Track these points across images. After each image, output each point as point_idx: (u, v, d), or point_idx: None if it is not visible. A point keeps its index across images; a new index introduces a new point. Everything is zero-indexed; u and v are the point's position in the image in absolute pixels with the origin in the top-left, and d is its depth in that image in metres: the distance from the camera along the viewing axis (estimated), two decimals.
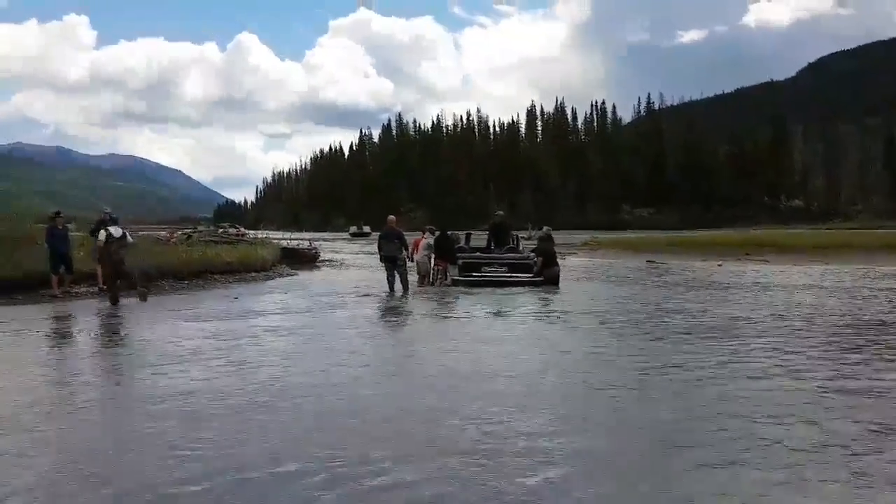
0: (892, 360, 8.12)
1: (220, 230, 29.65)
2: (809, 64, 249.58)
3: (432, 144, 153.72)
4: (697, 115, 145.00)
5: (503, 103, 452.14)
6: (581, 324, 11.55)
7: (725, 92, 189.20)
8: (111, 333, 11.18)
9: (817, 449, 4.94)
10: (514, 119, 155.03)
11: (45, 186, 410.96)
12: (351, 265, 29.27)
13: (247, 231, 33.36)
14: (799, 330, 10.48)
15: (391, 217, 18.02)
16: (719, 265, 27.36)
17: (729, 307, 13.48)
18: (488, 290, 16.74)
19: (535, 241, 20.83)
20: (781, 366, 7.75)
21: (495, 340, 9.83)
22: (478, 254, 19.56)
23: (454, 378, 7.35)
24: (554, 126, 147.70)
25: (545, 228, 20.25)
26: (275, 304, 14.66)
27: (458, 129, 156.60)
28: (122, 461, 4.82)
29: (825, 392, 6.55)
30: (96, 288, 15.96)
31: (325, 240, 50.38)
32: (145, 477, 4.43)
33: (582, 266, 27.65)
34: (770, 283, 18.88)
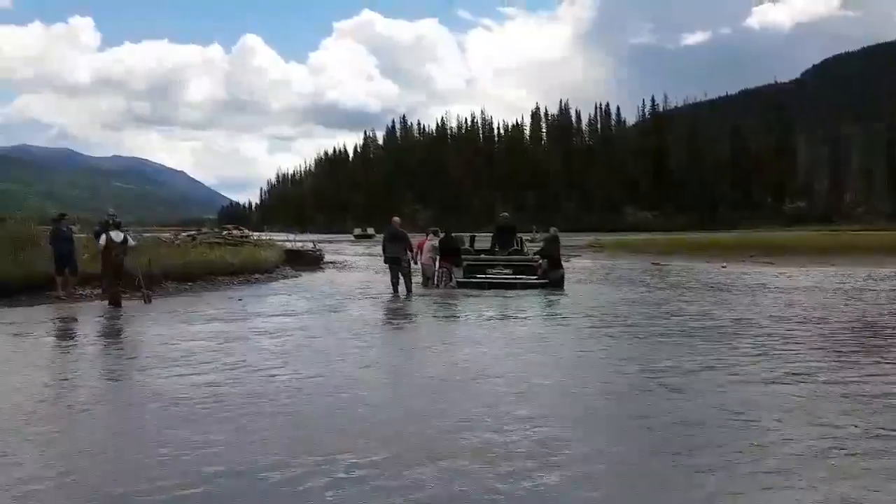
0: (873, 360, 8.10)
1: (225, 232, 29.56)
2: (814, 66, 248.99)
3: (437, 146, 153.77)
4: (702, 116, 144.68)
5: (508, 105, 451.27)
6: (583, 326, 11.52)
7: (729, 94, 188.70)
8: (111, 335, 11.20)
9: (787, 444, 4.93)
10: (519, 121, 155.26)
11: (49, 188, 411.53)
12: (355, 267, 29.27)
13: (251, 233, 33.26)
14: (793, 331, 10.47)
15: (395, 218, 18.00)
16: (723, 267, 27.31)
17: (729, 309, 13.45)
18: (493, 292, 16.72)
19: (542, 243, 20.76)
20: (772, 369, 7.74)
21: (499, 342, 9.82)
22: (482, 256, 19.54)
23: (456, 382, 7.33)
24: (558, 128, 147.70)
25: (552, 230, 20.18)
26: (278, 305, 14.66)
27: (463, 131, 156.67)
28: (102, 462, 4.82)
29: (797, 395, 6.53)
30: (100, 290, 15.97)
31: (329, 241, 50.31)
32: (119, 478, 4.42)
33: (586, 268, 27.61)
34: (772, 286, 18.83)
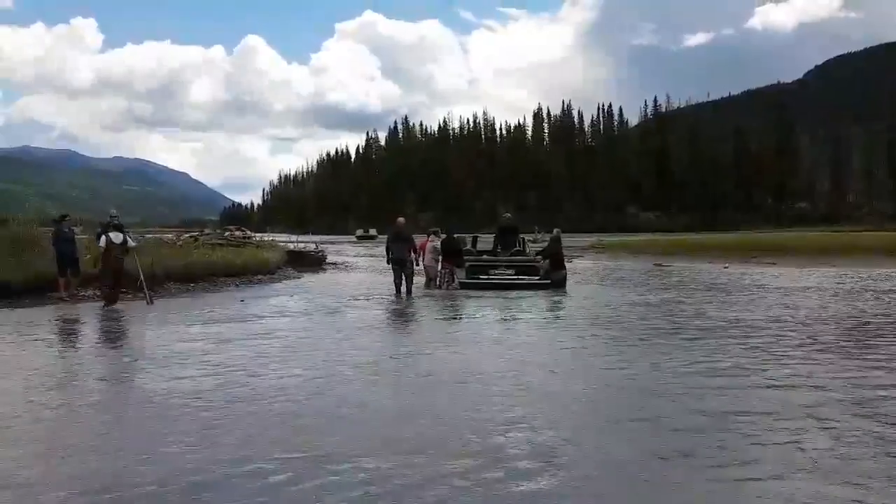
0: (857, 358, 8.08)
1: (227, 233, 29.57)
2: (816, 66, 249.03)
3: (439, 147, 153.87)
4: (704, 117, 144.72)
5: (510, 106, 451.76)
6: (584, 327, 11.50)
7: (732, 94, 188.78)
8: (109, 336, 11.20)
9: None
10: (521, 122, 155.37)
11: (51, 189, 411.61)
12: (357, 268, 29.27)
13: (253, 234, 33.26)
14: (789, 332, 10.46)
15: (400, 219, 18.01)
16: (725, 268, 27.29)
17: (728, 309, 13.41)
18: (495, 292, 16.70)
19: (545, 243, 20.74)
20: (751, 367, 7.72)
21: (501, 344, 9.81)
22: (485, 257, 19.52)
23: (450, 382, 7.32)
24: (561, 129, 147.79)
25: (555, 230, 20.15)
26: (280, 306, 14.64)
27: (465, 132, 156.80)
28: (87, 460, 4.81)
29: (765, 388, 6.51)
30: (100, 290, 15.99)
31: (331, 242, 50.34)
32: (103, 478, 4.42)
33: (589, 269, 27.60)
34: (772, 286, 18.80)
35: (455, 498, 4.11)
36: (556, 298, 15.82)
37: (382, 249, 18.05)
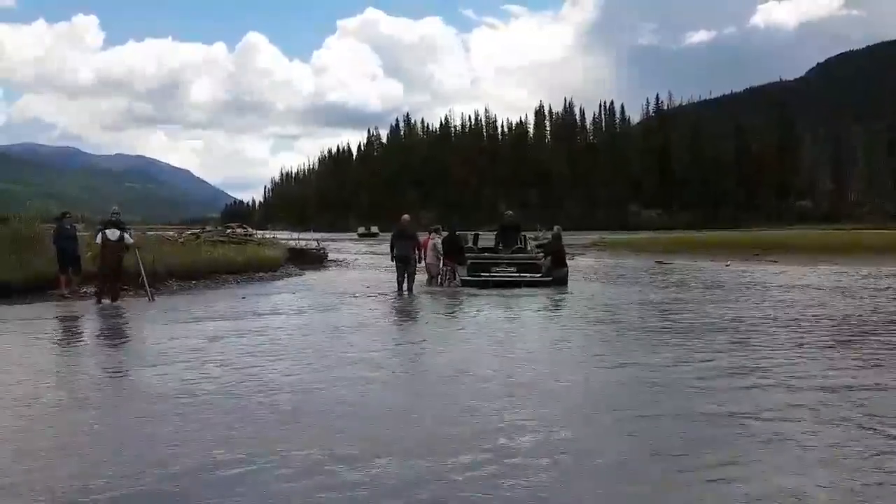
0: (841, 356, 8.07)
1: (228, 230, 29.57)
2: (818, 64, 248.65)
3: (440, 145, 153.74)
4: (706, 115, 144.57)
5: (512, 104, 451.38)
6: (584, 324, 11.51)
7: (734, 92, 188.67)
8: (107, 333, 11.23)
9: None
10: (523, 119, 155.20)
11: (53, 187, 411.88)
12: (358, 265, 29.27)
13: (254, 231, 33.29)
14: (781, 328, 10.46)
15: (405, 216, 18.06)
16: (727, 265, 27.28)
17: (727, 307, 13.41)
18: (497, 290, 16.70)
19: (545, 241, 20.71)
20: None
21: (502, 344, 9.81)
22: (486, 254, 19.51)
23: (444, 380, 7.32)
24: (562, 126, 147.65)
25: (555, 228, 20.12)
26: (282, 304, 14.65)
27: (467, 130, 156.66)
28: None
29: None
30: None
31: (332, 240, 50.31)
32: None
33: (591, 267, 27.59)
34: (772, 284, 18.79)
35: (454, 496, 4.11)
36: (557, 296, 15.81)
37: (384, 247, 18.06)
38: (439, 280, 18.19)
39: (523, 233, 21.30)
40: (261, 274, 21.17)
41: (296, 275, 22.75)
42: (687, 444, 5.03)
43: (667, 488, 4.23)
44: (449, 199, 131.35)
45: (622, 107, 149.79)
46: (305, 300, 15.27)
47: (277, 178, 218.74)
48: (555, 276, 17.92)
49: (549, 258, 18.32)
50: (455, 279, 17.96)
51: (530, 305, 14.07)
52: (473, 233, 22.62)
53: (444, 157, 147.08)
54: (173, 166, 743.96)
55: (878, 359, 8.18)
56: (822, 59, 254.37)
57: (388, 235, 18.33)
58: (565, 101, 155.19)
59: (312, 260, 28.04)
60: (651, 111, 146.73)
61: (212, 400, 6.31)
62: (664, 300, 15.06)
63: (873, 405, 6.01)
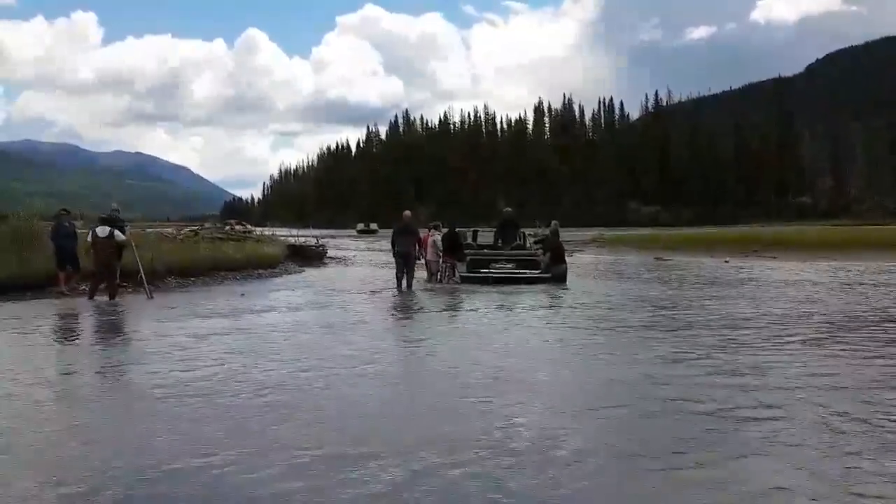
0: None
1: (227, 227, 29.59)
2: (818, 60, 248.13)
3: (440, 141, 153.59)
4: (706, 111, 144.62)
5: (511, 100, 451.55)
6: (583, 321, 11.52)
7: (733, 88, 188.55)
8: (102, 330, 11.27)
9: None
10: (522, 116, 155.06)
11: (53, 185, 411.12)
12: (358, 262, 29.22)
13: (253, 228, 33.30)
14: (776, 324, 10.47)
15: (407, 213, 18.15)
16: (726, 262, 27.29)
17: (724, 304, 13.40)
18: (496, 287, 16.71)
19: (546, 236, 20.71)
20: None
21: (502, 341, 9.82)
22: (485, 251, 19.52)
23: (440, 378, 7.33)
24: (561, 123, 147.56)
25: (553, 224, 20.12)
26: (281, 300, 14.64)
27: (466, 126, 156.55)
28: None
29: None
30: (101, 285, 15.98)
31: (331, 237, 50.31)
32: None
33: (590, 263, 27.61)
34: (769, 280, 18.80)
35: (453, 494, 4.11)
36: (556, 293, 15.82)
37: (383, 244, 18.08)
38: (439, 277, 18.21)
39: (522, 229, 21.31)
40: (260, 271, 21.16)
41: (295, 272, 22.75)
42: (678, 442, 5.02)
43: (663, 487, 4.24)
44: (448, 196, 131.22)
45: (621, 103, 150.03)
46: (305, 297, 15.29)
47: (276, 174, 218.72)
48: (554, 273, 17.92)
49: (547, 255, 18.33)
50: (455, 276, 17.98)
51: (529, 302, 14.08)
52: (472, 229, 22.62)
53: (443, 153, 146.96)
54: (173, 164, 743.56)
55: (873, 355, 8.18)
56: (821, 56, 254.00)
57: (388, 232, 18.33)
58: (564, 97, 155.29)
59: (312, 257, 28.04)
60: (650, 107, 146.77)
61: (205, 397, 6.29)
62: (663, 297, 15.05)
63: (866, 402, 6.00)
